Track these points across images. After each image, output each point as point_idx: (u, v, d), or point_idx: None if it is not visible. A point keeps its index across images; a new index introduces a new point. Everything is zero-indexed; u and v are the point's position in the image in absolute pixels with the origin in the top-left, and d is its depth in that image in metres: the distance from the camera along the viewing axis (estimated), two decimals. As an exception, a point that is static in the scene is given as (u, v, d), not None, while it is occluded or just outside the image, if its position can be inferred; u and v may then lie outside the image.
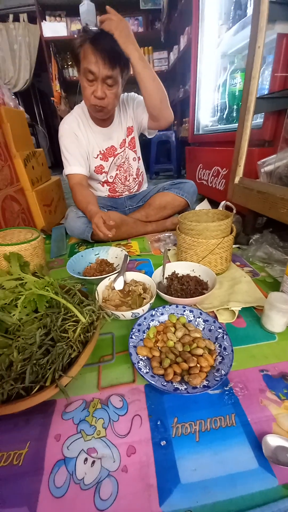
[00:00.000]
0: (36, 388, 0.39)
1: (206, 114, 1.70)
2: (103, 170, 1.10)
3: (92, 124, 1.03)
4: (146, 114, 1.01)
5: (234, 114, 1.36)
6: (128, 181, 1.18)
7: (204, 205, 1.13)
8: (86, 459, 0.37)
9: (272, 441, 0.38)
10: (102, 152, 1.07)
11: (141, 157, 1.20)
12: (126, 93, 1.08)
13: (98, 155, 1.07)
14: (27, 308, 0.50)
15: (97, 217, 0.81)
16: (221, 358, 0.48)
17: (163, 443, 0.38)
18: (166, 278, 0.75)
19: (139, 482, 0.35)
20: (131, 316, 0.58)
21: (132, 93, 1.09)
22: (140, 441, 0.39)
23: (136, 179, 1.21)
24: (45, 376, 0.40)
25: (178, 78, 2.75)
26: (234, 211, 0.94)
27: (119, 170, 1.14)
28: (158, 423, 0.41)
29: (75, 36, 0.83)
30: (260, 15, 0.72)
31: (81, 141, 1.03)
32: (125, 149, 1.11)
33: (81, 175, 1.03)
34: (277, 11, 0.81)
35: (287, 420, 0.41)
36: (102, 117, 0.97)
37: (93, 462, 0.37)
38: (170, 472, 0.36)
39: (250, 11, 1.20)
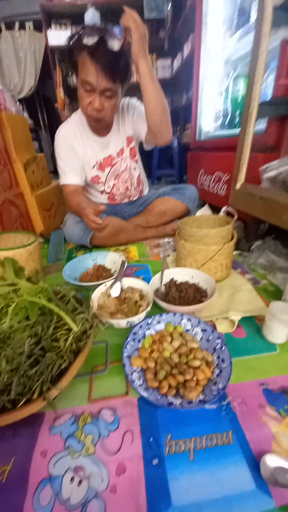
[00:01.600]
0: (23, 401, 0.37)
1: (208, 120, 1.70)
2: (99, 180, 1.09)
3: (89, 133, 1.01)
4: (145, 127, 0.97)
5: (237, 120, 1.36)
6: (130, 190, 1.17)
7: (205, 210, 1.11)
8: (72, 478, 0.35)
9: (271, 461, 0.35)
10: (99, 162, 1.05)
11: (141, 165, 1.19)
12: (128, 98, 1.03)
13: (94, 165, 1.05)
14: (18, 315, 0.49)
15: (87, 209, 0.80)
16: (219, 370, 0.46)
17: (155, 461, 0.36)
18: (164, 285, 0.73)
19: (128, 503, 0.33)
20: (126, 324, 0.56)
21: (134, 101, 1.03)
22: (130, 459, 0.37)
23: (137, 188, 1.19)
24: (32, 388, 0.38)
25: (182, 85, 2.78)
26: (235, 217, 0.93)
27: (118, 180, 1.11)
28: (151, 439, 0.39)
29: (71, 36, 0.77)
30: (263, 21, 0.71)
31: (77, 151, 1.01)
32: (123, 158, 1.08)
33: (76, 185, 1.02)
34: (281, 17, 0.81)
35: (287, 439, 0.38)
36: (99, 127, 0.96)
37: (80, 481, 0.35)
38: (161, 493, 0.33)
39: (253, 17, 1.20)
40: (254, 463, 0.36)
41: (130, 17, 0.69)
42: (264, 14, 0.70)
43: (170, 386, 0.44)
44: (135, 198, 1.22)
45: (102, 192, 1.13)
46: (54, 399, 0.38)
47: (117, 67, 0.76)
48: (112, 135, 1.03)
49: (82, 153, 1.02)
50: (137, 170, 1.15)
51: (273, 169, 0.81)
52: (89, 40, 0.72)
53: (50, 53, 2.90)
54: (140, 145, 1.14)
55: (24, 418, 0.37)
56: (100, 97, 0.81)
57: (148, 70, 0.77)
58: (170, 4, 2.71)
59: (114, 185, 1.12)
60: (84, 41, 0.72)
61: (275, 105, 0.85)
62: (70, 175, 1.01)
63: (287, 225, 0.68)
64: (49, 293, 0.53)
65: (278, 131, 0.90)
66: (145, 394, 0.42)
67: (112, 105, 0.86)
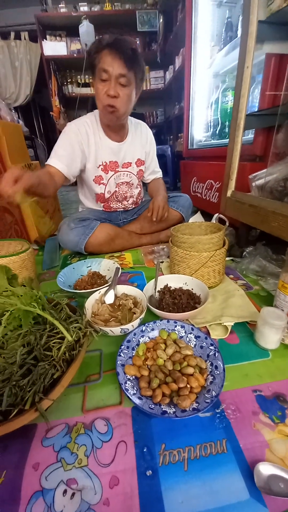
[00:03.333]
0: (15, 412, 0.36)
1: (199, 130, 1.74)
2: (101, 181, 1.08)
3: (102, 135, 1.01)
4: (148, 172, 1.20)
5: (227, 130, 1.40)
6: (127, 201, 1.18)
7: (197, 217, 1.13)
8: (65, 491, 0.34)
9: (265, 469, 0.35)
10: (104, 164, 1.05)
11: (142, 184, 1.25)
12: (145, 124, 1.15)
13: (100, 165, 1.05)
14: (11, 324, 0.49)
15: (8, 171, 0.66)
16: (212, 377, 0.47)
17: (148, 472, 0.36)
18: (158, 291, 0.74)
19: (122, 517, 0.32)
20: (120, 332, 0.56)
21: (151, 134, 1.17)
22: (124, 470, 0.36)
23: (136, 201, 1.21)
24: (24, 399, 0.38)
25: (174, 96, 2.86)
26: (227, 224, 0.94)
27: (119, 189, 1.12)
28: (145, 450, 0.38)
29: (90, 47, 0.87)
30: (248, 36, 0.75)
31: (82, 146, 0.99)
32: (127, 171, 1.10)
33: (56, 169, 0.96)
34: (265, 31, 0.85)
35: (280, 446, 0.39)
36: (114, 122, 0.95)
37: (73, 494, 0.34)
38: (155, 505, 0.33)
39: (240, 32, 1.25)
40: (248, 472, 0.36)
41: (162, 212, 1.06)
42: (249, 30, 0.73)
43: (163, 395, 0.44)
44: (130, 208, 1.23)
45: (98, 199, 1.12)
46: (46, 409, 0.38)
47: (130, 56, 0.81)
48: (124, 146, 1.05)
49: (87, 149, 1.00)
50: (139, 188, 1.20)
51: (261, 177, 0.83)
52: (109, 39, 0.80)
53: (45, 63, 2.96)
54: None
55: (16, 430, 0.36)
56: (115, 84, 0.84)
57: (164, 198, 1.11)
58: (161, 19, 2.81)
59: (115, 192, 1.11)
60: (104, 41, 0.80)
61: (261, 117, 0.88)
62: (57, 160, 0.95)
63: (276, 232, 0.70)
64: (43, 302, 0.53)
65: (264, 141, 0.93)
66: (139, 403, 0.41)
67: (127, 94, 0.87)
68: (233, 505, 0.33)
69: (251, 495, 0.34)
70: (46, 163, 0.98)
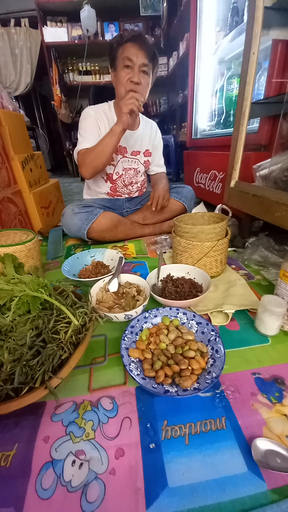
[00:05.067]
0: (25, 390, 0.38)
1: (203, 119, 1.71)
2: (112, 162, 1.11)
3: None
4: (153, 164, 1.23)
5: (231, 119, 1.38)
6: (132, 186, 1.20)
7: (200, 208, 1.13)
8: (74, 461, 0.37)
9: (262, 444, 0.37)
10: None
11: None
12: (155, 123, 1.21)
13: None
14: (20, 309, 0.50)
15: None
16: (213, 360, 0.48)
17: (152, 446, 0.38)
18: (161, 280, 0.75)
19: (127, 485, 0.34)
20: (124, 318, 0.58)
21: (160, 133, 1.23)
22: (129, 443, 0.38)
23: (140, 187, 1.24)
24: (34, 377, 0.40)
25: (178, 83, 2.79)
26: (230, 214, 0.95)
27: (125, 172, 1.16)
28: (148, 425, 0.41)
29: (111, 39, 0.96)
30: (254, 21, 0.73)
31: (99, 124, 1.04)
32: (135, 159, 1.15)
33: None
34: (272, 17, 0.83)
35: (277, 424, 0.41)
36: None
37: (81, 464, 0.36)
38: (158, 475, 0.35)
39: (246, 17, 1.22)
40: (246, 447, 0.38)
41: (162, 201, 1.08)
42: (255, 15, 0.72)
43: (166, 376, 0.46)
44: (134, 196, 1.25)
45: (107, 178, 1.15)
46: (55, 388, 0.40)
47: (151, 49, 0.91)
48: (135, 134, 1.11)
49: (104, 130, 1.03)
50: (144, 177, 1.25)
51: (265, 167, 0.83)
52: (132, 33, 0.89)
53: (46, 50, 2.89)
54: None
55: (27, 406, 0.38)
56: (138, 72, 0.92)
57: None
58: (165, 2, 2.71)
59: (121, 175, 1.15)
60: (126, 36, 0.89)
61: (267, 105, 0.87)
62: (88, 143, 1.00)
63: (279, 222, 0.70)
64: (49, 289, 0.54)
65: (270, 130, 0.92)
66: (142, 382, 0.43)
67: (146, 82, 0.96)
68: (231, 477, 0.35)
69: (249, 468, 0.36)
70: (77, 149, 1.03)
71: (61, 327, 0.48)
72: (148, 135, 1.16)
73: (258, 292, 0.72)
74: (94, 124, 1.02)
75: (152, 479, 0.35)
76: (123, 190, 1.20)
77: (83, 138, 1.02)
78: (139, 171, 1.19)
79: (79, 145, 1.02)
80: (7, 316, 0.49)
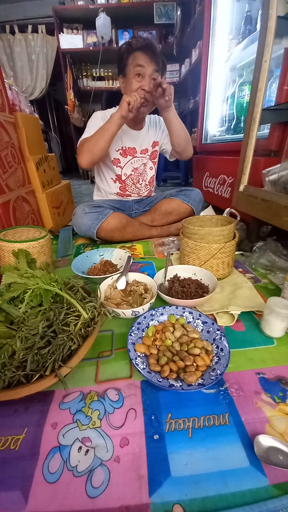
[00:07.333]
0: (36, 377, 0.40)
1: (214, 124, 1.73)
2: (119, 164, 1.14)
3: (124, 124, 1.08)
4: (169, 146, 1.16)
5: (242, 125, 1.39)
6: (140, 184, 1.22)
7: (208, 211, 1.14)
8: (80, 448, 0.38)
9: (264, 441, 0.38)
10: (123, 148, 1.12)
11: (155, 169, 1.27)
12: (158, 116, 1.19)
13: (119, 149, 1.12)
14: (32, 302, 0.53)
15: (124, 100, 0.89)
16: (217, 358, 0.49)
17: (156, 437, 0.39)
18: (168, 280, 0.76)
19: (131, 472, 0.36)
20: (132, 314, 0.60)
21: (160, 118, 1.18)
22: (133, 433, 0.40)
23: (148, 186, 1.25)
24: (45, 366, 0.41)
25: (189, 90, 2.83)
26: (238, 218, 0.96)
27: (134, 172, 1.18)
28: (152, 417, 0.42)
29: (120, 47, 0.98)
30: (267, 30, 0.75)
31: None
32: (144, 157, 1.18)
33: None
34: (285, 26, 0.84)
35: (280, 423, 0.41)
36: (143, 113, 1.04)
37: (87, 450, 0.38)
38: (161, 465, 0.36)
39: (259, 26, 1.24)
40: (249, 443, 0.39)
41: (170, 90, 0.91)
42: (268, 24, 0.74)
43: (171, 371, 0.47)
44: (143, 196, 1.27)
45: (116, 179, 1.18)
46: (64, 377, 0.42)
47: (159, 57, 0.94)
48: (142, 133, 1.14)
49: None
50: (153, 171, 1.25)
51: (275, 172, 0.84)
52: (140, 42, 0.92)
53: (61, 56, 2.98)
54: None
55: (36, 394, 0.40)
56: (149, 81, 0.94)
57: (175, 111, 1.00)
58: (179, 11, 2.77)
59: (130, 175, 1.18)
60: (136, 44, 0.92)
61: (278, 111, 0.88)
62: (89, 135, 1.02)
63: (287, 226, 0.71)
64: (60, 284, 0.57)
65: (280, 136, 0.93)
66: (148, 376, 0.45)
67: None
68: (233, 470, 0.36)
69: (251, 463, 0.36)
70: (79, 142, 1.05)
71: (71, 319, 0.50)
72: (153, 129, 1.19)
73: (264, 295, 0.72)
74: (99, 122, 1.05)
75: (155, 468, 0.36)
76: (132, 188, 1.22)
77: (86, 133, 1.05)
78: (147, 166, 1.21)
79: (81, 139, 1.05)
80: (20, 307, 0.51)
